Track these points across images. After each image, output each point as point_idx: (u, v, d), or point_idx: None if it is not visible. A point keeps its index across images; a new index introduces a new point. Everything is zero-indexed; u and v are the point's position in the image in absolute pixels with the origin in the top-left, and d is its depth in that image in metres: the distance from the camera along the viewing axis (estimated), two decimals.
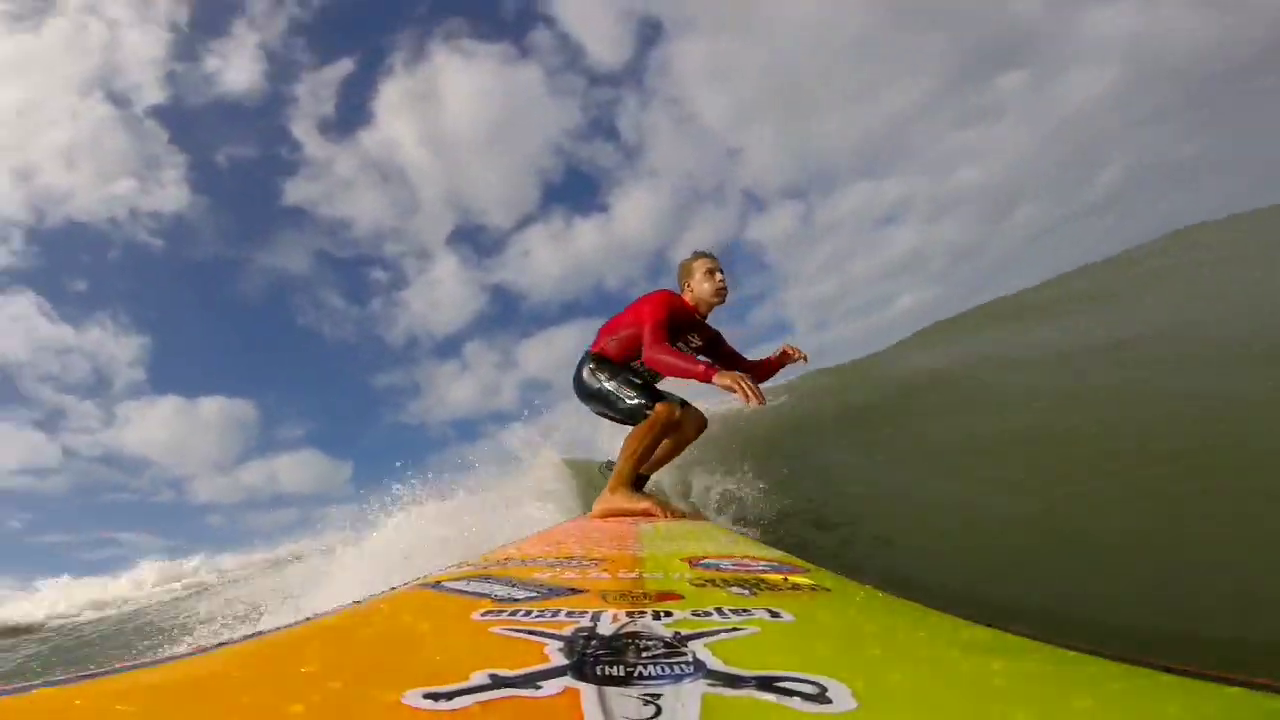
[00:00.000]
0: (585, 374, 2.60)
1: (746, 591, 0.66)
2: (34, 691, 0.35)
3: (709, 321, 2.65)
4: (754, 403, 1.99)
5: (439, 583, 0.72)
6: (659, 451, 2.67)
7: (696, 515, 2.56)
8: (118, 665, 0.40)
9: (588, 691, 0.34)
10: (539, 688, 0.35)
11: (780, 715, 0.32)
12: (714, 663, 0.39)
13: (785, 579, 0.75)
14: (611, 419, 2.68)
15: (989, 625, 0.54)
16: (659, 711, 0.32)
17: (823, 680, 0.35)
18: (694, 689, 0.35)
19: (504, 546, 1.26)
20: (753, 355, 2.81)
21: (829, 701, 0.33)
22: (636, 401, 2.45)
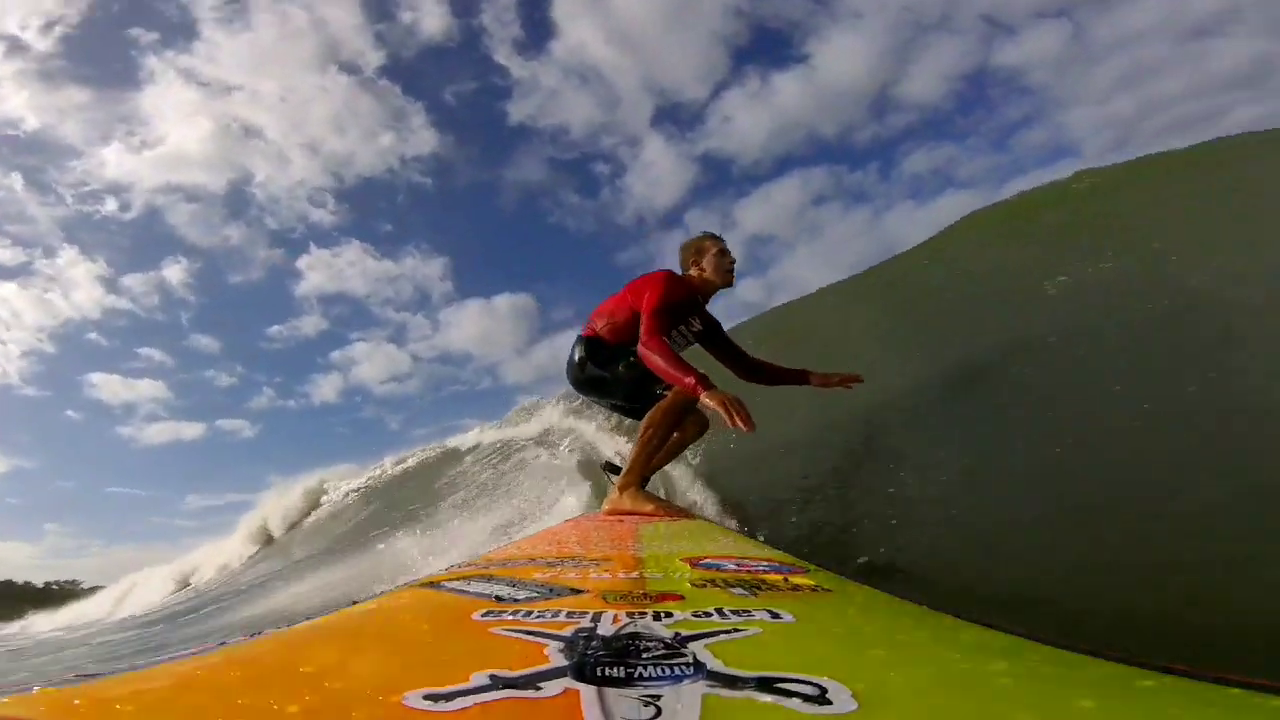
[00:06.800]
0: (576, 359, 2.39)
1: (747, 592, 0.66)
2: (34, 691, 0.36)
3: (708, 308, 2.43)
4: (743, 428, 1.76)
5: (439, 583, 0.72)
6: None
7: (698, 515, 2.54)
8: (117, 667, 0.40)
9: (588, 693, 0.34)
10: (539, 689, 0.35)
11: (780, 716, 0.32)
12: (714, 664, 0.39)
13: (786, 579, 0.75)
14: (614, 408, 2.47)
15: (989, 625, 0.54)
16: (659, 713, 0.32)
17: (823, 681, 0.35)
18: (694, 690, 0.35)
19: (504, 546, 1.26)
20: None
21: (829, 703, 0.33)
22: (640, 381, 2.22)
